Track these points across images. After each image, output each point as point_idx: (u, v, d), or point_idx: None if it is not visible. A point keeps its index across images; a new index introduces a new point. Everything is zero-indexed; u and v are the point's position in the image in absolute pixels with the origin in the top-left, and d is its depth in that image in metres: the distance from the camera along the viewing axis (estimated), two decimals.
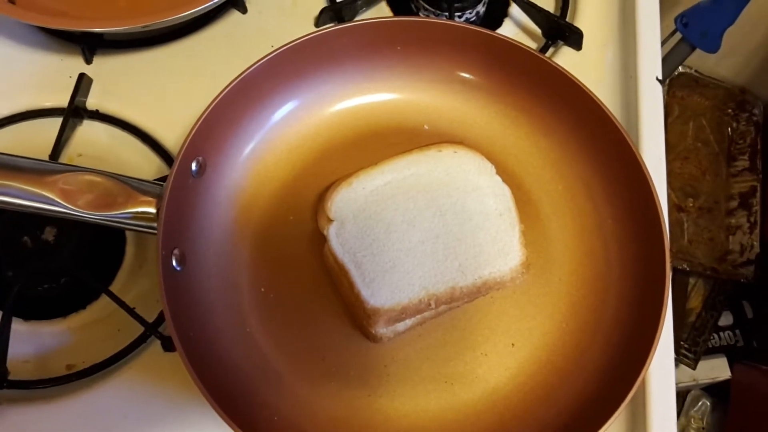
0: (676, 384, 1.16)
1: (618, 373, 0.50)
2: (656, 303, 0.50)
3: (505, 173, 0.57)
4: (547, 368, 0.53)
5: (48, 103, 0.65)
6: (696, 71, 1.33)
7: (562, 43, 0.69)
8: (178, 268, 0.50)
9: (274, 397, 0.50)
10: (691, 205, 1.27)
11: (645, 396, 0.57)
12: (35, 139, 0.62)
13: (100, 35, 0.66)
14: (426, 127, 0.60)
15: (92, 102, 0.65)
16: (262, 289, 0.54)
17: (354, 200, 0.54)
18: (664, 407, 0.56)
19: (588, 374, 0.52)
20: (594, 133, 0.57)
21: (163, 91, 0.66)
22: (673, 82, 1.32)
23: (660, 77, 0.65)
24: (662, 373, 0.57)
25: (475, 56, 0.59)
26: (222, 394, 0.45)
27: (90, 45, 0.66)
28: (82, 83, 0.64)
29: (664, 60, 1.00)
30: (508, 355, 0.53)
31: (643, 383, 0.57)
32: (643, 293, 0.53)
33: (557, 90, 0.58)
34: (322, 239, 0.54)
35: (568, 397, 0.51)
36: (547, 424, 0.50)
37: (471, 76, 0.61)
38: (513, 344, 0.54)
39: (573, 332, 0.54)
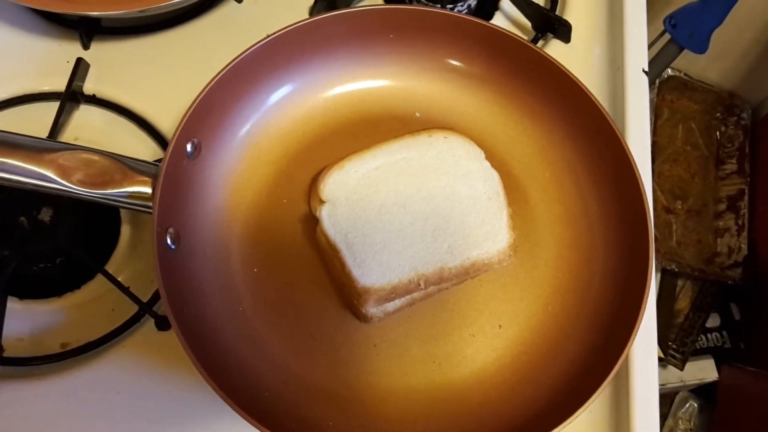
0: (665, 385, 1.18)
1: (600, 355, 0.51)
2: (639, 287, 0.51)
3: (494, 159, 0.58)
4: (533, 349, 0.54)
5: (46, 87, 0.65)
6: (685, 75, 1.35)
7: (551, 35, 0.71)
8: (173, 247, 0.50)
9: (266, 373, 0.51)
10: (679, 207, 1.28)
11: (628, 384, 0.58)
12: (33, 123, 0.62)
13: (97, 20, 0.68)
14: (417, 114, 0.61)
15: (89, 87, 0.66)
16: (255, 269, 0.55)
17: (346, 183, 0.55)
18: (646, 390, 0.57)
19: (572, 355, 0.53)
20: (581, 122, 0.58)
21: (159, 77, 0.67)
22: (662, 86, 1.33)
23: (646, 69, 0.67)
24: (645, 360, 0.58)
25: (467, 45, 0.61)
26: (215, 369, 0.46)
27: (88, 30, 0.67)
28: (80, 68, 0.64)
29: (654, 60, 1.02)
30: (495, 337, 0.54)
31: (627, 372, 0.58)
32: (627, 277, 0.54)
33: (547, 79, 0.59)
34: (314, 222, 0.55)
35: (553, 377, 0.52)
36: (531, 402, 0.51)
37: (463, 65, 0.62)
38: (500, 326, 0.55)
39: (558, 315, 0.55)
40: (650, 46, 1.04)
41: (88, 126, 0.65)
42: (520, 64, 0.60)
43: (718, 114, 1.35)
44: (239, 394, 0.46)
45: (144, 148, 0.63)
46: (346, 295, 0.53)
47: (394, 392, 0.52)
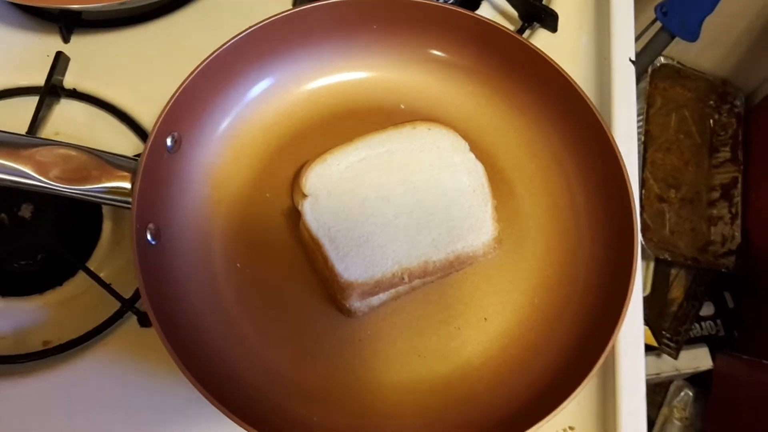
0: (659, 374, 1.18)
1: (586, 346, 0.51)
2: (624, 278, 0.51)
3: (479, 151, 0.58)
4: (519, 342, 0.54)
5: (25, 82, 0.64)
6: (678, 63, 1.34)
7: (538, 25, 0.70)
8: (153, 243, 0.50)
9: (250, 371, 0.51)
10: (673, 195, 1.28)
11: (615, 370, 0.58)
12: (12, 118, 0.62)
13: (78, 14, 0.66)
14: (402, 106, 0.61)
15: (69, 81, 0.65)
16: (238, 265, 0.54)
17: (329, 176, 0.54)
18: (633, 381, 0.57)
19: (558, 347, 0.53)
20: (568, 113, 0.58)
21: (140, 70, 0.66)
22: (655, 74, 1.33)
23: (633, 59, 0.66)
24: (631, 346, 0.58)
25: (452, 36, 0.60)
26: (197, 366, 0.45)
27: (68, 24, 0.66)
28: (60, 62, 0.64)
29: (645, 49, 1.01)
30: (480, 330, 0.54)
31: (614, 357, 0.58)
32: (613, 268, 0.53)
33: (533, 70, 0.58)
34: (297, 216, 0.54)
35: (539, 369, 0.52)
36: (518, 394, 0.51)
37: (448, 56, 0.61)
38: (486, 319, 0.54)
39: (544, 307, 0.55)
40: (641, 34, 1.04)
41: (69, 121, 0.64)
42: (507, 56, 0.59)
43: (712, 102, 1.35)
44: (222, 392, 0.45)
45: (126, 142, 0.63)
46: (330, 290, 0.53)
47: (380, 387, 0.52)
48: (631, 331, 0.59)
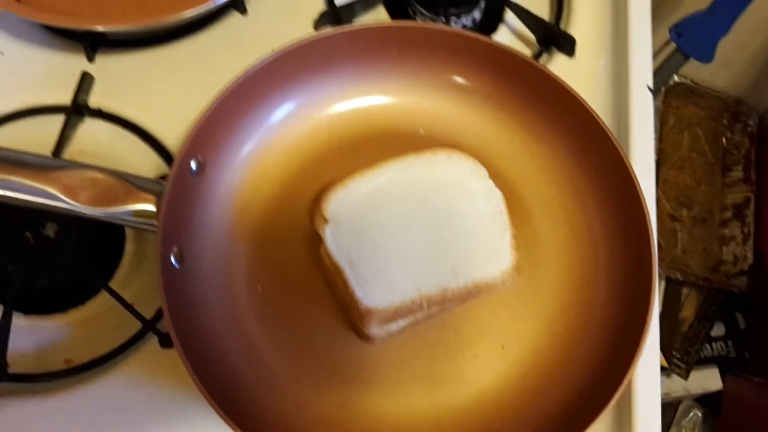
0: (668, 394, 1.18)
1: (604, 376, 0.51)
2: (643, 307, 0.51)
3: (497, 177, 0.58)
4: (536, 371, 0.54)
5: (50, 101, 0.65)
6: (691, 81, 1.35)
7: (555, 49, 0.71)
8: (177, 266, 0.50)
9: (268, 394, 0.51)
10: (685, 214, 1.28)
11: (630, 399, 0.58)
12: (38, 137, 0.63)
13: (103, 34, 0.67)
14: (422, 131, 0.61)
15: (94, 100, 0.66)
16: (259, 288, 0.54)
17: (349, 201, 0.55)
18: (649, 410, 0.57)
19: (575, 376, 0.53)
20: (585, 140, 0.58)
21: (164, 91, 0.67)
22: (668, 92, 1.33)
23: (651, 86, 0.67)
24: (648, 376, 0.58)
25: (470, 62, 0.61)
26: (217, 389, 0.46)
27: (93, 44, 0.67)
28: (85, 81, 0.64)
29: (659, 69, 1.02)
30: (498, 357, 0.54)
31: (630, 386, 0.58)
32: (631, 297, 0.53)
33: (550, 96, 0.59)
34: (318, 241, 0.54)
35: (556, 399, 0.52)
36: (535, 424, 0.51)
37: (466, 81, 0.62)
38: (503, 346, 0.55)
39: (562, 335, 0.55)
40: (656, 54, 1.04)
41: (94, 140, 0.64)
42: (524, 81, 0.60)
43: (725, 121, 1.34)
44: (242, 415, 0.46)
45: (149, 163, 0.63)
46: (350, 315, 0.53)
47: (397, 413, 0.52)
48: (648, 357, 0.59)
